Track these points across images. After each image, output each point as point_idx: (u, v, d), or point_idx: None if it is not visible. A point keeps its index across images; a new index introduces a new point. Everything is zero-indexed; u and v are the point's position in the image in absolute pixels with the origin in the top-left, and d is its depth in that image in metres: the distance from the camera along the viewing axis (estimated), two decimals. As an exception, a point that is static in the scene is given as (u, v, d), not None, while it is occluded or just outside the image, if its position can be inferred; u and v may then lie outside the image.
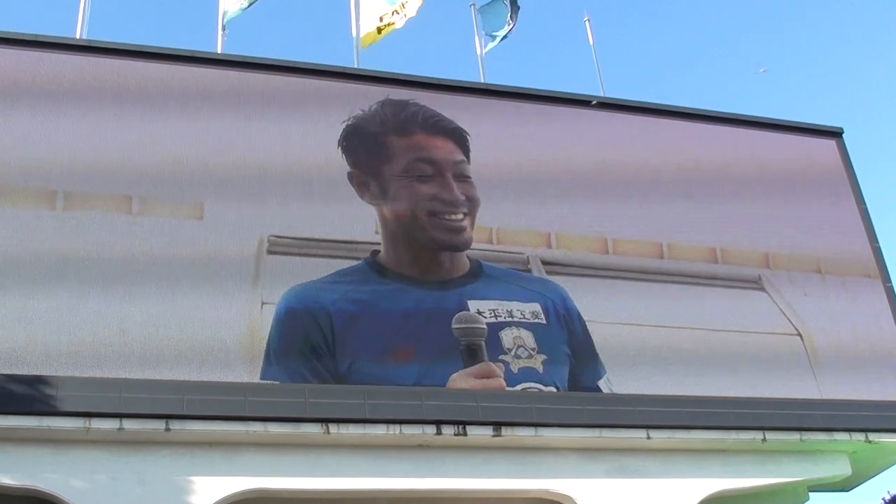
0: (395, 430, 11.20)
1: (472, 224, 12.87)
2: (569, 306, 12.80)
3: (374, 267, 12.33)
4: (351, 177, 12.77)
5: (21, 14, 31.20)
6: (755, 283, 13.96)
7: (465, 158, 13.30)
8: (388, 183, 12.76)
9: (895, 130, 37.73)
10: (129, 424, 10.46)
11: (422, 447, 11.48)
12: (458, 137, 13.45)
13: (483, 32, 16.74)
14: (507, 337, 12.11)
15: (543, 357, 12.12)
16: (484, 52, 16.46)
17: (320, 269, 12.05)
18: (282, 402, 10.97)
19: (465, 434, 11.43)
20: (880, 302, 14.35)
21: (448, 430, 11.37)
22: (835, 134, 16.01)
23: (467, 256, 12.80)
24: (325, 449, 11.18)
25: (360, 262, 12.29)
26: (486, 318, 12.16)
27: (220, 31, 14.92)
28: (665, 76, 39.60)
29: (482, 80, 15.39)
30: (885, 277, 14.53)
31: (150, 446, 10.69)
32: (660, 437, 12.10)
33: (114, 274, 11.18)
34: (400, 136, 13.26)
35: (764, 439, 12.45)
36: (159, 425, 10.55)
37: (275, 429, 10.88)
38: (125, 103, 12.38)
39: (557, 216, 13.45)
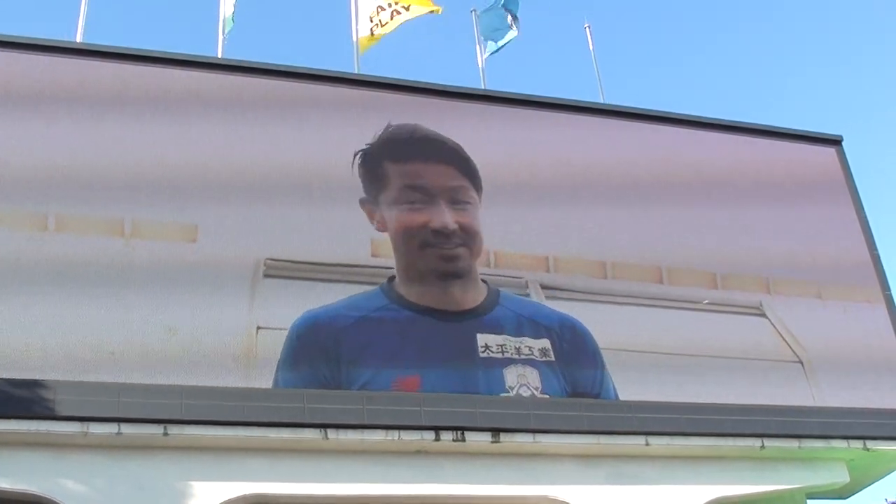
0: (393, 435, 11.19)
1: (473, 252, 12.63)
2: (581, 342, 12.59)
3: (389, 294, 12.16)
4: (362, 203, 12.58)
5: (18, 17, 31.20)
6: (756, 309, 13.84)
7: (465, 184, 12.98)
8: (385, 211, 12.56)
9: (894, 137, 37.76)
10: (127, 429, 10.44)
11: (420, 453, 11.47)
12: (460, 162, 13.15)
13: (483, 38, 16.75)
14: (510, 374, 11.97)
15: (546, 397, 12.00)
16: (485, 58, 16.48)
17: (316, 292, 11.85)
18: (280, 407, 10.95)
19: (463, 440, 11.42)
20: (880, 310, 14.34)
21: (447, 436, 11.36)
22: (834, 142, 16.03)
23: (486, 284, 12.65)
24: (324, 454, 11.17)
25: (376, 287, 12.16)
26: (493, 353, 12.05)
27: (220, 36, 14.91)
28: (664, 83, 39.65)
29: (483, 87, 15.39)
30: (885, 286, 14.53)
31: (148, 451, 10.66)
32: (658, 444, 12.11)
33: (109, 289, 11.06)
34: (395, 161, 12.97)
35: (762, 446, 12.45)
36: (157, 430, 10.52)
37: (273, 434, 10.87)
38: (124, 111, 12.25)
39: (556, 238, 13.25)
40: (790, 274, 14.25)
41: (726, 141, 15.35)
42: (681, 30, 40.30)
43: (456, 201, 12.77)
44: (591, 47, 17.02)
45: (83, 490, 10.32)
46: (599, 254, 13.41)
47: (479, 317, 12.35)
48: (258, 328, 11.38)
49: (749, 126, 15.72)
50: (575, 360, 12.43)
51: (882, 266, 14.71)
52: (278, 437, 10.88)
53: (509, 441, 11.58)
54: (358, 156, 12.83)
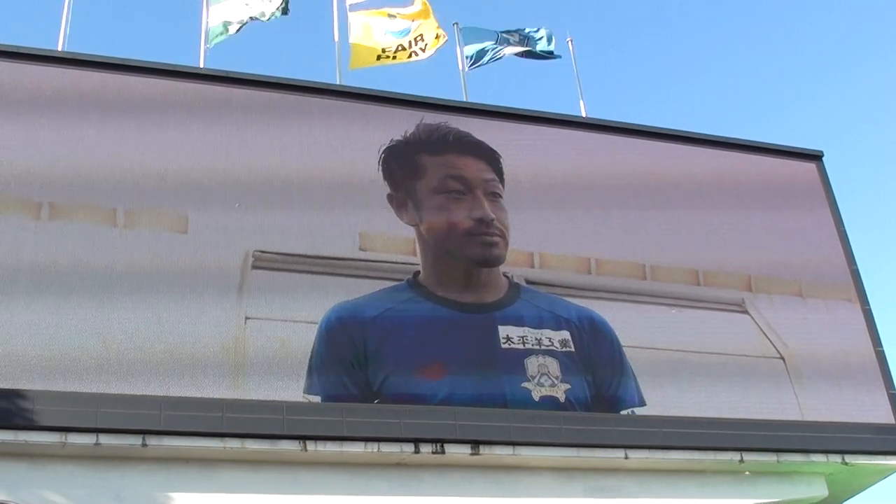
0: (372, 447, 11.19)
1: (506, 245, 13.10)
2: (599, 333, 12.98)
3: (415, 287, 12.55)
4: (391, 199, 12.97)
5: (2, 24, 31.10)
6: (738, 306, 14.03)
7: (496, 177, 13.56)
8: (422, 200, 13.02)
9: (874, 152, 37.99)
10: (105, 440, 10.40)
11: (399, 465, 11.47)
12: (490, 157, 13.74)
13: (465, 54, 16.80)
14: (531, 364, 12.25)
15: (566, 387, 12.24)
16: (467, 69, 16.55)
17: (305, 284, 12.05)
18: (259, 418, 10.93)
19: (442, 452, 11.43)
20: (859, 325, 14.45)
21: (426, 449, 11.36)
22: (815, 157, 16.15)
23: (507, 278, 12.99)
24: (303, 466, 11.16)
25: (403, 281, 12.51)
26: (514, 344, 12.34)
27: (202, 45, 14.93)
28: (646, 97, 39.80)
29: (465, 98, 15.44)
30: (864, 300, 14.64)
31: (127, 462, 10.63)
32: (637, 458, 12.13)
33: (95, 286, 11.13)
34: (432, 154, 13.54)
35: (741, 460, 12.49)
36: (136, 441, 10.49)
37: (252, 445, 10.85)
38: (109, 115, 12.34)
39: (541, 235, 13.54)
40: (770, 287, 14.39)
41: (708, 155, 15.44)
42: (663, 46, 40.49)
43: (491, 193, 13.35)
44: (573, 60, 17.12)
45: (62, 501, 10.28)
46: (584, 251, 13.68)
47: (501, 309, 12.73)
48: (247, 318, 11.54)
49: (732, 141, 15.80)
50: (594, 350, 12.80)
51: (861, 281, 14.80)
52: (257, 448, 10.86)
53: (489, 453, 11.59)
54: (384, 152, 13.28)
